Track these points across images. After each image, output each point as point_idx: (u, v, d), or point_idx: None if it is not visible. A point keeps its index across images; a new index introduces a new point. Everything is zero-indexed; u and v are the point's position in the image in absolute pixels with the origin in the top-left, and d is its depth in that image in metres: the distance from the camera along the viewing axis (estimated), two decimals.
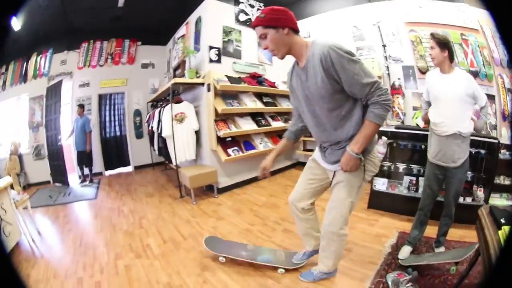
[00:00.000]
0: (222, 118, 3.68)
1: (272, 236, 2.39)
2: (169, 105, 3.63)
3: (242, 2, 4.32)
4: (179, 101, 3.81)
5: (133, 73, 5.78)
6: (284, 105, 4.35)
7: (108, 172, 5.68)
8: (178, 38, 4.75)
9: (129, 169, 5.96)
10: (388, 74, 3.83)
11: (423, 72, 3.60)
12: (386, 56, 3.84)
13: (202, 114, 3.85)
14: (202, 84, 3.74)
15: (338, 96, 1.25)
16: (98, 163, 5.43)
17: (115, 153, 5.84)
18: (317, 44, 1.25)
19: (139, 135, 6.01)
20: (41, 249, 2.48)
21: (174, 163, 3.73)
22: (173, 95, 3.67)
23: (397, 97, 3.75)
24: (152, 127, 4.36)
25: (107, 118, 5.78)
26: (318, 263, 1.69)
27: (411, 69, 3.68)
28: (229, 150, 3.67)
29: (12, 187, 2.73)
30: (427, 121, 1.98)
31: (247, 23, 4.28)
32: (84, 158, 4.93)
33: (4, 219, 2.46)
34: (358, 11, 4.06)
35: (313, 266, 1.77)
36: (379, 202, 2.82)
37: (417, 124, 3.38)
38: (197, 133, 3.86)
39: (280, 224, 2.63)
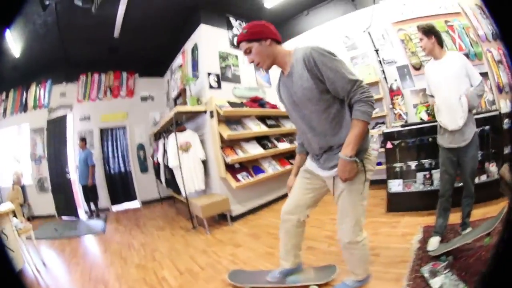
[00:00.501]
0: (228, 145, 3.66)
1: None
2: (173, 134, 3.63)
3: (235, 26, 4.40)
4: (182, 130, 3.80)
5: (133, 106, 5.79)
6: (287, 126, 4.35)
7: (115, 208, 5.60)
8: (176, 68, 4.80)
9: (136, 204, 5.83)
10: (385, 78, 3.89)
11: (417, 68, 3.70)
12: (380, 61, 3.91)
13: (207, 142, 3.83)
14: (205, 111, 3.75)
15: (325, 96, 1.27)
16: (104, 198, 5.36)
17: (121, 187, 5.81)
18: (299, 49, 1.31)
19: (144, 169, 5.93)
20: (46, 280, 2.44)
21: (183, 194, 3.66)
22: (176, 124, 3.66)
23: (397, 99, 3.80)
24: (157, 159, 4.33)
25: (110, 153, 5.77)
26: (350, 274, 1.63)
27: (406, 68, 3.77)
28: (239, 176, 3.62)
29: (15, 215, 2.78)
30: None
31: None
32: (88, 193, 4.87)
33: (7, 244, 2.51)
34: (347, 20, 4.16)
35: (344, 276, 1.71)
36: (398, 204, 2.83)
37: (421, 119, 3.38)
38: (204, 162, 3.82)
39: None
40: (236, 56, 4.23)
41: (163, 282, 2.15)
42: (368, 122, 1.24)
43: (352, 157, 1.24)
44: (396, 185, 2.86)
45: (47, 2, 3.70)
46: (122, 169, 5.89)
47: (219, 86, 3.90)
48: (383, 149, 3.02)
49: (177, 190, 3.91)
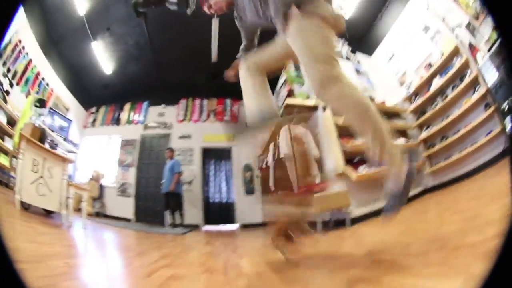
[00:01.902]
0: (344, 134, 3.32)
1: None
2: (286, 126, 3.48)
3: None
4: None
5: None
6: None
7: (206, 227, 5.24)
8: (280, 87, 4.84)
9: (234, 227, 5.45)
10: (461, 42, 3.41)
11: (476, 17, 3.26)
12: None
13: (322, 138, 3.53)
14: (316, 107, 3.59)
15: None
16: (195, 215, 5.15)
17: (218, 208, 5.55)
18: None
19: (249, 191, 5.62)
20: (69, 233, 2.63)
21: (295, 190, 3.18)
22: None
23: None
24: (266, 164, 4.13)
25: (212, 172, 5.73)
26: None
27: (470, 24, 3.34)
28: (359, 169, 3.15)
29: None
30: None
31: (340, 56, 4.49)
32: (172, 200, 4.68)
33: (47, 181, 2.90)
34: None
35: None
36: None
37: None
38: (317, 161, 3.40)
39: None
40: None
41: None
42: None
43: None
44: None
45: (141, 10, 4.18)
46: (223, 189, 5.69)
47: None
48: None
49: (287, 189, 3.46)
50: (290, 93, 4.09)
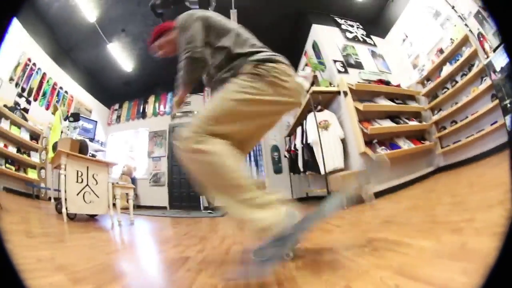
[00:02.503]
0: (365, 119, 3.69)
1: None
2: (312, 113, 3.82)
3: (342, 24, 4.79)
4: (320, 110, 3.95)
5: None
6: (414, 104, 4.30)
7: None
8: (303, 69, 5.06)
9: None
10: (470, 30, 3.53)
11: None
12: (460, 16, 3.69)
13: (345, 122, 3.87)
14: (338, 92, 3.93)
15: None
16: None
17: None
18: None
19: (278, 170, 6.05)
20: (123, 232, 2.74)
21: (322, 171, 3.64)
22: (314, 104, 3.86)
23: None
24: (295, 147, 4.42)
25: None
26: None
27: (480, 14, 3.39)
28: (378, 150, 3.55)
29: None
30: None
31: (355, 39, 4.66)
32: None
33: (93, 188, 3.01)
34: None
35: None
36: None
37: None
38: (343, 142, 3.82)
39: None
40: (353, 47, 4.51)
41: None
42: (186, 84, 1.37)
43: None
44: None
45: (159, 11, 4.11)
46: (254, 170, 6.04)
47: (346, 71, 4.13)
48: None
49: (316, 169, 3.87)
50: (314, 80, 4.30)
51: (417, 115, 4.22)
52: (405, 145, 3.87)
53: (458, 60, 3.58)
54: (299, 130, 4.27)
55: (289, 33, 5.00)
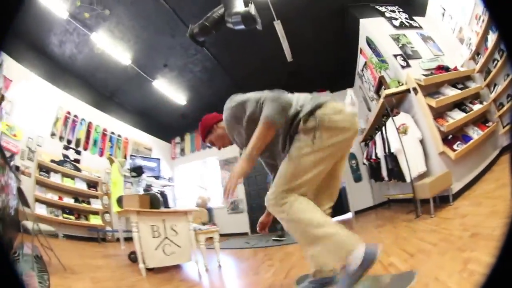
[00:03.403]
0: (437, 116, 3.79)
1: None
2: (390, 120, 3.97)
3: (385, 11, 4.73)
4: (396, 114, 4.08)
5: None
6: (473, 85, 4.31)
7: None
8: (362, 70, 5.07)
9: (348, 215, 5.83)
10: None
11: None
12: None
13: (419, 121, 3.94)
14: (408, 90, 4.03)
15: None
16: None
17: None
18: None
19: (357, 178, 6.08)
20: (209, 279, 2.70)
21: (407, 179, 3.76)
22: (390, 108, 3.99)
23: None
24: (376, 156, 4.46)
25: None
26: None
27: None
28: (454, 146, 3.64)
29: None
30: None
31: (403, 25, 4.66)
32: None
33: (173, 240, 2.92)
34: None
35: None
36: None
37: None
38: (422, 142, 3.92)
39: None
40: (404, 35, 4.54)
41: (390, 268, 1.87)
42: (271, 121, 1.28)
43: (247, 155, 1.32)
44: None
45: (201, 39, 3.73)
46: None
47: (408, 65, 4.25)
48: None
49: (401, 177, 3.99)
50: (382, 80, 4.36)
51: (477, 96, 4.23)
52: (474, 134, 3.91)
53: None
54: (378, 137, 4.35)
55: (335, 33, 4.85)
